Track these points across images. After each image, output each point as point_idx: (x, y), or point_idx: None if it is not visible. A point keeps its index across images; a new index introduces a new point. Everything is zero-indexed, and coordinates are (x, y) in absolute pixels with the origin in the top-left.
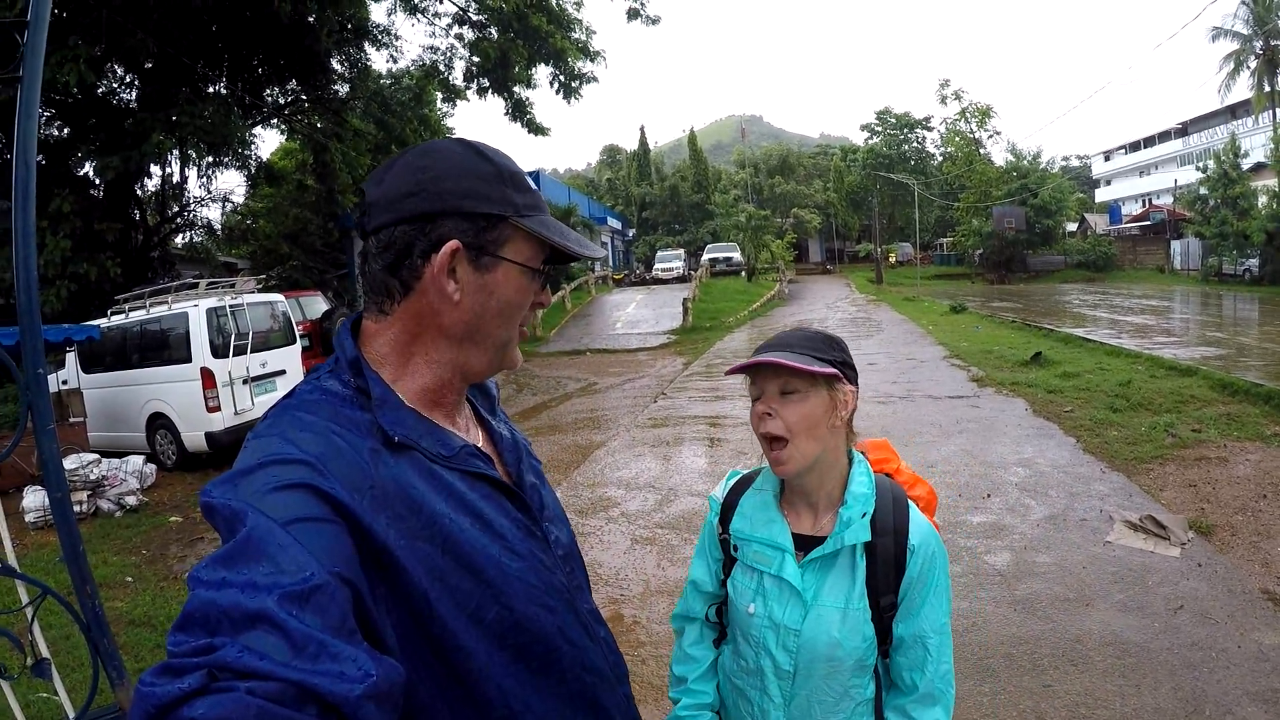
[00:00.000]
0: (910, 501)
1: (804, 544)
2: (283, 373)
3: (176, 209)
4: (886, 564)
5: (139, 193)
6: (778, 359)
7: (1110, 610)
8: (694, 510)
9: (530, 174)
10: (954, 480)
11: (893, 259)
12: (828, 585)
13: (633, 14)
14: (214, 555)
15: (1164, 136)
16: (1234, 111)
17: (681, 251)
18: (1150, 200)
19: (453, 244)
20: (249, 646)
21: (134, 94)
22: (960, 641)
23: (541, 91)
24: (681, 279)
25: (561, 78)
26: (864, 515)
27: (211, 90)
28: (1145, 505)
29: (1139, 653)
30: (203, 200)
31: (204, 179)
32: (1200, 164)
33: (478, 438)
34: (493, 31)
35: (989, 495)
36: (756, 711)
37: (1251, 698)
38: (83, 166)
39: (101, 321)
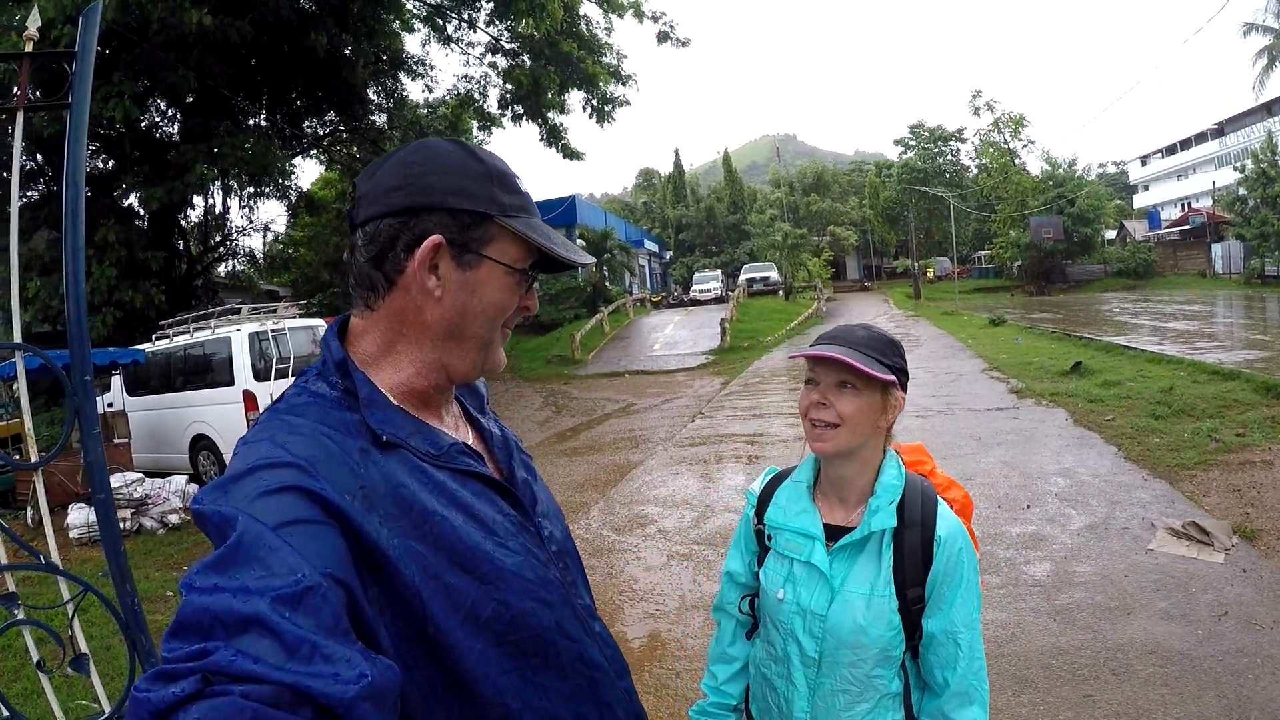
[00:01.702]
0: (940, 498)
1: (834, 534)
2: None
3: (219, 238)
4: (913, 554)
5: (182, 223)
6: (844, 357)
7: (1152, 618)
8: (731, 526)
9: (566, 199)
10: (993, 492)
11: (930, 274)
12: (855, 572)
13: (662, 37)
14: (206, 561)
15: (1200, 138)
16: (1270, 109)
17: (719, 272)
18: (1189, 204)
19: (435, 238)
20: (242, 650)
21: (176, 127)
22: (998, 652)
23: (575, 116)
24: (719, 299)
25: (594, 102)
26: (891, 503)
27: (251, 122)
28: (1188, 512)
29: (1182, 661)
30: (244, 230)
31: (245, 209)
32: (1238, 164)
33: (467, 436)
34: (525, 59)
35: (1028, 506)
36: (782, 701)
37: None
38: (127, 198)
39: (146, 346)
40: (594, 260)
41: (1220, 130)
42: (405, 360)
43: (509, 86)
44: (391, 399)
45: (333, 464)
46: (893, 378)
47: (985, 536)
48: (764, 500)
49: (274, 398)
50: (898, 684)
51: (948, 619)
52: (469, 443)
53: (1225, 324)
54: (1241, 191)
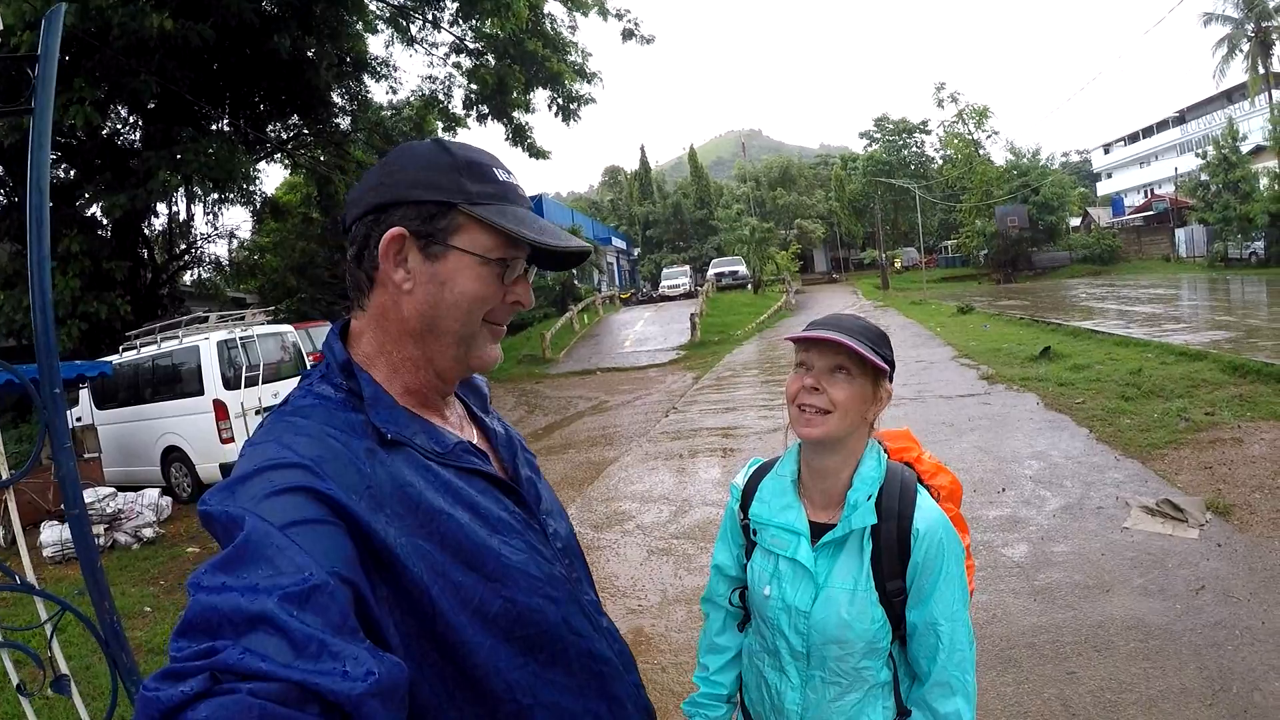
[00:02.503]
0: (922, 488)
1: (818, 530)
2: None
3: (184, 246)
4: (890, 548)
5: (146, 231)
6: (843, 339)
7: (1131, 595)
8: (709, 520)
9: (533, 198)
10: (968, 477)
11: (898, 264)
12: (838, 568)
13: (627, 35)
14: (213, 560)
15: (1162, 126)
16: (1230, 96)
17: (687, 268)
18: (1152, 190)
19: (394, 230)
20: (250, 648)
21: (138, 134)
22: (982, 634)
23: (541, 115)
24: (688, 295)
25: (559, 100)
26: (869, 498)
27: (215, 127)
28: (1161, 490)
29: (1162, 635)
30: (209, 237)
31: (210, 216)
32: (1200, 151)
33: (472, 435)
34: (489, 59)
35: (1004, 489)
36: (773, 693)
37: (1278, 672)
38: (90, 207)
39: (114, 358)
40: (586, 245)
41: (1181, 118)
42: (396, 359)
43: (474, 86)
44: (395, 399)
45: (339, 464)
46: (886, 366)
47: None
48: (748, 493)
49: (245, 406)
50: (887, 673)
51: (927, 610)
52: (474, 441)
53: (1191, 306)
54: (1204, 177)
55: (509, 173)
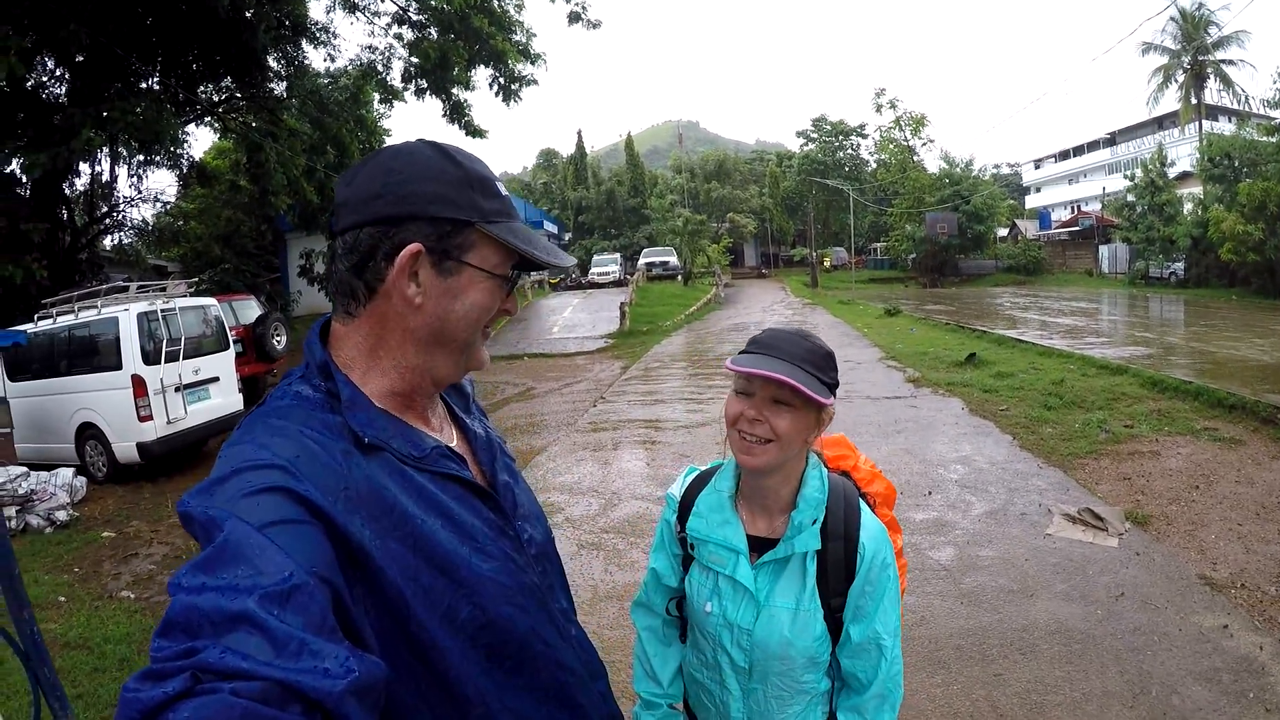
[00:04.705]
0: (863, 503)
1: (758, 545)
2: (216, 379)
3: (106, 209)
4: (837, 567)
5: (67, 192)
6: (790, 379)
7: (1054, 600)
8: (638, 514)
9: None
10: (895, 479)
11: (827, 263)
12: (780, 587)
13: (574, 17)
14: (193, 561)
15: (1093, 146)
16: (1161, 123)
17: (618, 255)
18: (1079, 207)
19: (414, 247)
20: (231, 647)
21: (64, 88)
22: (910, 635)
23: (480, 94)
24: (618, 283)
25: (501, 80)
26: (814, 522)
27: (144, 85)
28: (1082, 499)
29: (1084, 640)
30: (133, 200)
31: (135, 178)
32: (1128, 172)
33: (451, 437)
34: (433, 32)
35: (930, 492)
36: (718, 704)
37: (1195, 677)
38: (8, 164)
39: (28, 326)
40: (574, 262)
41: (1112, 139)
42: (388, 364)
43: (414, 60)
44: (374, 401)
45: (316, 466)
46: (830, 400)
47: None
48: (685, 506)
49: (165, 382)
50: (827, 683)
51: (870, 626)
52: (452, 444)
53: (1111, 321)
54: (1130, 198)
55: (502, 187)
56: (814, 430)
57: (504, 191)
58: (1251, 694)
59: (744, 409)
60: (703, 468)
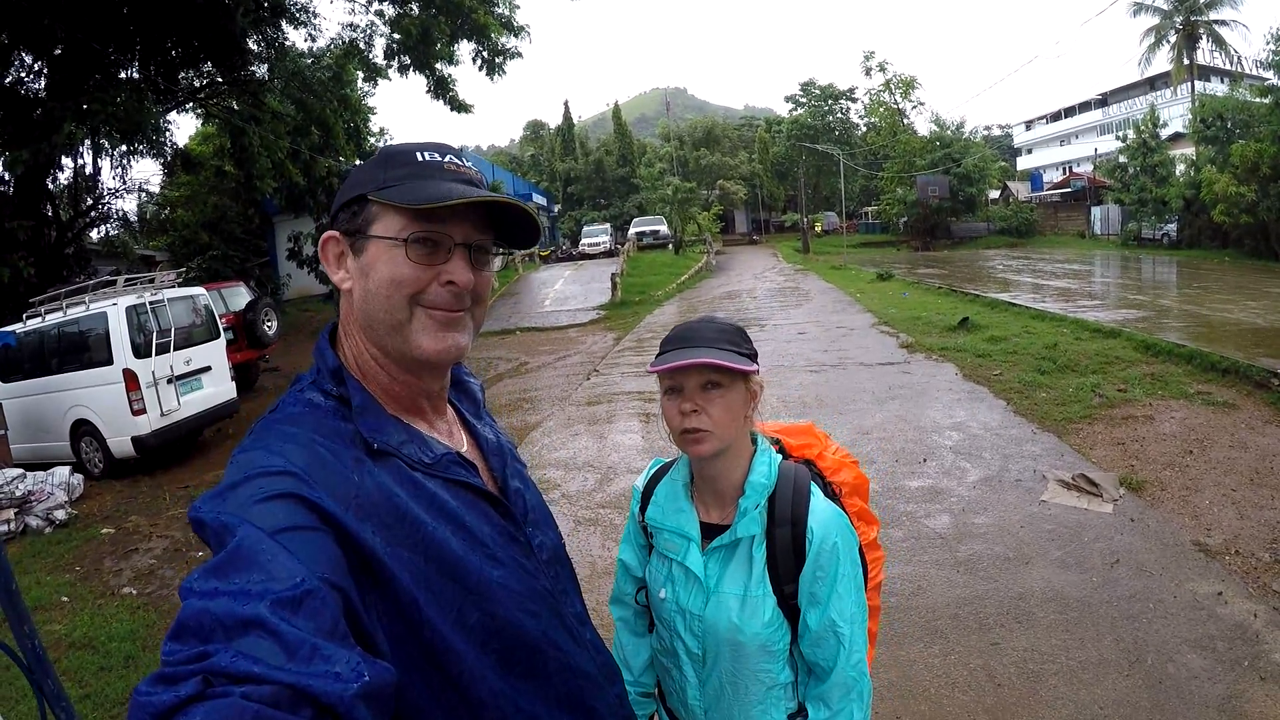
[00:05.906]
0: (816, 489)
1: (710, 532)
2: (208, 369)
3: (90, 202)
4: (785, 552)
5: (50, 187)
6: (710, 359)
7: (1050, 567)
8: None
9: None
10: (890, 446)
11: (819, 228)
12: (729, 573)
13: None
14: (205, 565)
15: (1084, 107)
16: (1153, 84)
17: (608, 226)
18: (1070, 168)
19: (325, 235)
20: (242, 652)
21: (42, 83)
22: (907, 605)
23: (465, 68)
24: (609, 254)
25: (485, 54)
26: (758, 507)
27: (124, 76)
28: (1077, 464)
29: (1080, 607)
30: (118, 191)
31: (118, 169)
32: (1120, 133)
33: (461, 442)
34: (414, 7)
35: (925, 460)
36: (678, 689)
37: (1190, 645)
38: None
39: (17, 327)
40: (507, 199)
41: (1104, 100)
42: (365, 359)
43: (396, 36)
44: (385, 407)
45: (328, 473)
46: (755, 367)
47: (885, 490)
48: (647, 496)
49: (156, 375)
50: (788, 673)
51: (825, 613)
52: (463, 451)
53: (1104, 283)
54: (1122, 159)
55: (443, 155)
56: (750, 404)
57: (426, 159)
58: (1246, 661)
59: (678, 406)
60: (666, 460)
